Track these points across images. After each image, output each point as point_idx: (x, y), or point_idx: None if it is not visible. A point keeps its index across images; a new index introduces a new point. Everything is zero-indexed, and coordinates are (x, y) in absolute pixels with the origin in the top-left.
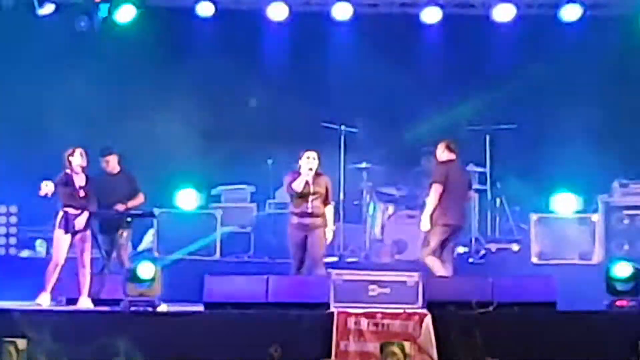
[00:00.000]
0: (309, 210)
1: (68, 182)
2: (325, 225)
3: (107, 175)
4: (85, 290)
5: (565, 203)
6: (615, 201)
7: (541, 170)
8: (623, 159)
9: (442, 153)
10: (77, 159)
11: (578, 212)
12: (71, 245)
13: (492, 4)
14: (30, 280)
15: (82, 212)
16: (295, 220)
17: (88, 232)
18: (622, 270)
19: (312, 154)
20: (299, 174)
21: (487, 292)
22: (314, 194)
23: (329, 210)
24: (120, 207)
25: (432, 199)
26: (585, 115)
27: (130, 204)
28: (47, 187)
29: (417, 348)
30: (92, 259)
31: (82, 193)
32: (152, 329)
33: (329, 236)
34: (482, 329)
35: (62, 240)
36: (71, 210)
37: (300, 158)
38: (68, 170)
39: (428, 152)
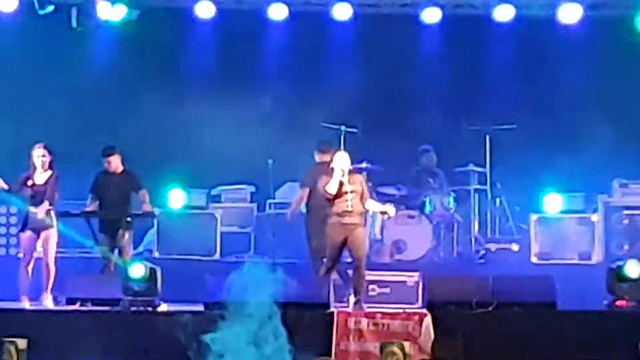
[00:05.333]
0: (349, 209)
1: (28, 180)
2: (364, 224)
3: (110, 175)
4: (48, 288)
5: (554, 203)
6: (615, 201)
7: (541, 171)
8: (623, 159)
9: (317, 155)
10: (34, 157)
11: (578, 212)
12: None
13: (492, 4)
14: (31, 280)
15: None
16: (335, 220)
17: (50, 231)
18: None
19: (344, 155)
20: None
21: (487, 292)
22: (351, 192)
23: (370, 205)
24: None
25: (293, 200)
26: (585, 115)
27: (145, 207)
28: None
29: (417, 348)
30: (90, 259)
31: (36, 190)
32: (152, 329)
33: (391, 211)
34: (481, 328)
35: (24, 239)
36: (32, 209)
37: (332, 160)
38: (31, 171)
39: (426, 150)
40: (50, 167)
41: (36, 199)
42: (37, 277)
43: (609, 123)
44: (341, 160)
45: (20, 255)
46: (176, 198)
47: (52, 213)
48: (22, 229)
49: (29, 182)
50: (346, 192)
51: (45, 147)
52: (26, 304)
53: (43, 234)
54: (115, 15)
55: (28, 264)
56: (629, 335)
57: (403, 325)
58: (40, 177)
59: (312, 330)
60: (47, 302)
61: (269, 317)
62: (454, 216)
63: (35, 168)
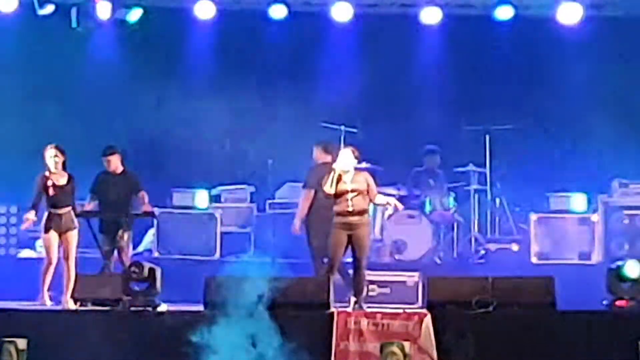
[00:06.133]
0: (350, 209)
1: (45, 182)
2: (369, 224)
3: (109, 175)
4: (68, 290)
5: (578, 202)
6: (615, 201)
7: (541, 170)
8: (623, 159)
9: (319, 155)
10: (47, 158)
11: (577, 212)
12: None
13: (492, 4)
14: (30, 280)
15: (66, 211)
16: (338, 219)
17: (73, 232)
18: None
19: (344, 152)
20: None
21: (487, 292)
22: (352, 191)
23: (380, 199)
24: (148, 207)
25: (300, 204)
26: (585, 115)
27: (145, 208)
28: (28, 220)
29: (417, 348)
30: (90, 259)
31: (59, 191)
32: (152, 329)
33: (399, 206)
34: (481, 329)
35: (47, 240)
36: (55, 211)
37: (334, 160)
38: (47, 173)
39: (430, 151)
40: (64, 167)
41: (57, 200)
42: (34, 278)
43: (609, 123)
44: (340, 158)
45: (43, 255)
46: (205, 199)
47: (73, 214)
48: (46, 231)
49: (49, 183)
50: (347, 191)
51: (57, 147)
52: (47, 302)
53: (65, 236)
54: (131, 16)
55: (51, 264)
56: (629, 335)
57: (403, 326)
58: (59, 178)
59: (312, 331)
60: (69, 303)
61: (265, 316)
62: (454, 216)
63: (49, 169)
